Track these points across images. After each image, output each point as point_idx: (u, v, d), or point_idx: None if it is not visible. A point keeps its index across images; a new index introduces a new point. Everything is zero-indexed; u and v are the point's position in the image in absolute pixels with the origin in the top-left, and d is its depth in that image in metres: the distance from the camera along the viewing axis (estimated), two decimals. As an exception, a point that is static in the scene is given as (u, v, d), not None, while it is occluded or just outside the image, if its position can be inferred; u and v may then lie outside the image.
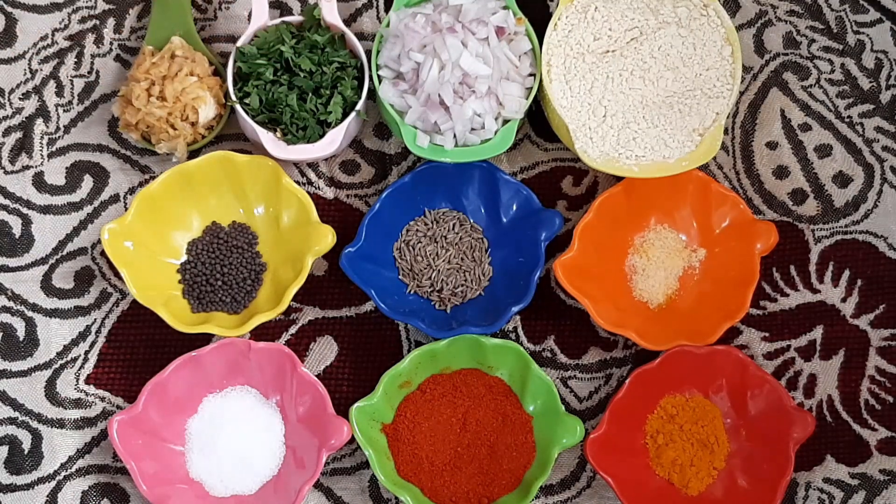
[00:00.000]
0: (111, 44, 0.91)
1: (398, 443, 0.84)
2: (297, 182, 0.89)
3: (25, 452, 0.86)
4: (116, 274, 0.88)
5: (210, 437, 0.83)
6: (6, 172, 0.89)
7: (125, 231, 0.83)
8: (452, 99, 0.81)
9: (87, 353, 0.87)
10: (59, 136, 0.90)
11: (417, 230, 0.88)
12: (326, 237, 0.84)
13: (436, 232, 0.88)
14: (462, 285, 0.87)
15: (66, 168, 0.90)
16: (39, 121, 0.90)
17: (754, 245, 0.84)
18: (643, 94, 0.83)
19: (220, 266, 0.86)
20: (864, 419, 0.87)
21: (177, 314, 0.83)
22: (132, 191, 0.89)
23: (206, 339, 0.86)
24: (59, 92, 0.90)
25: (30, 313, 0.88)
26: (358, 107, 0.85)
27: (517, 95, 0.83)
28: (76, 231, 0.89)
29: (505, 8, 0.84)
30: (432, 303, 0.88)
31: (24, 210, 0.89)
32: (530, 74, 0.84)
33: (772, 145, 0.90)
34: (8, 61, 0.91)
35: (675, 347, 0.83)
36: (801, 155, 0.90)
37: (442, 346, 0.83)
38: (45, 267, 0.88)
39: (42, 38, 0.91)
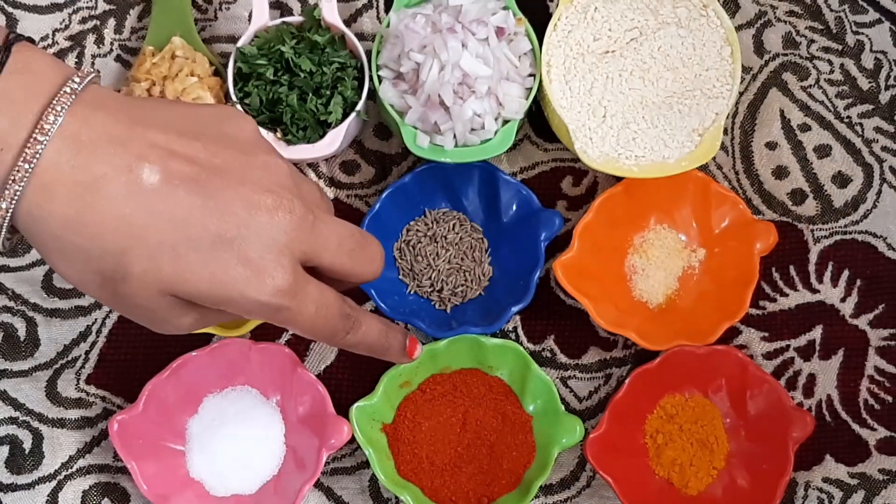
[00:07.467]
0: (112, 44, 0.91)
1: (398, 442, 0.84)
2: (298, 182, 0.89)
3: (26, 452, 0.86)
4: (117, 274, 0.88)
5: (210, 437, 0.84)
6: (7, 172, 0.89)
7: (125, 231, 0.83)
8: (452, 99, 0.81)
9: (87, 353, 0.87)
10: (59, 137, 0.90)
11: (417, 230, 0.88)
12: (326, 237, 0.84)
13: (436, 232, 0.88)
14: (462, 285, 0.87)
15: (67, 168, 0.89)
16: (40, 121, 0.90)
17: (754, 245, 0.84)
18: (643, 95, 0.83)
19: (221, 266, 0.86)
20: (864, 419, 0.87)
21: (177, 314, 0.83)
22: (132, 191, 0.89)
23: (206, 339, 0.86)
24: (60, 92, 0.90)
25: (30, 313, 0.88)
26: (358, 107, 0.85)
27: (517, 96, 0.83)
28: (77, 231, 0.89)
29: (505, 8, 0.84)
30: (432, 303, 0.88)
31: (25, 210, 0.89)
32: (530, 75, 0.84)
33: (771, 145, 0.90)
34: (8, 61, 0.91)
35: (675, 347, 0.83)
36: (800, 155, 0.90)
37: (442, 346, 0.83)
38: (46, 267, 0.88)
39: (42, 39, 0.91)
